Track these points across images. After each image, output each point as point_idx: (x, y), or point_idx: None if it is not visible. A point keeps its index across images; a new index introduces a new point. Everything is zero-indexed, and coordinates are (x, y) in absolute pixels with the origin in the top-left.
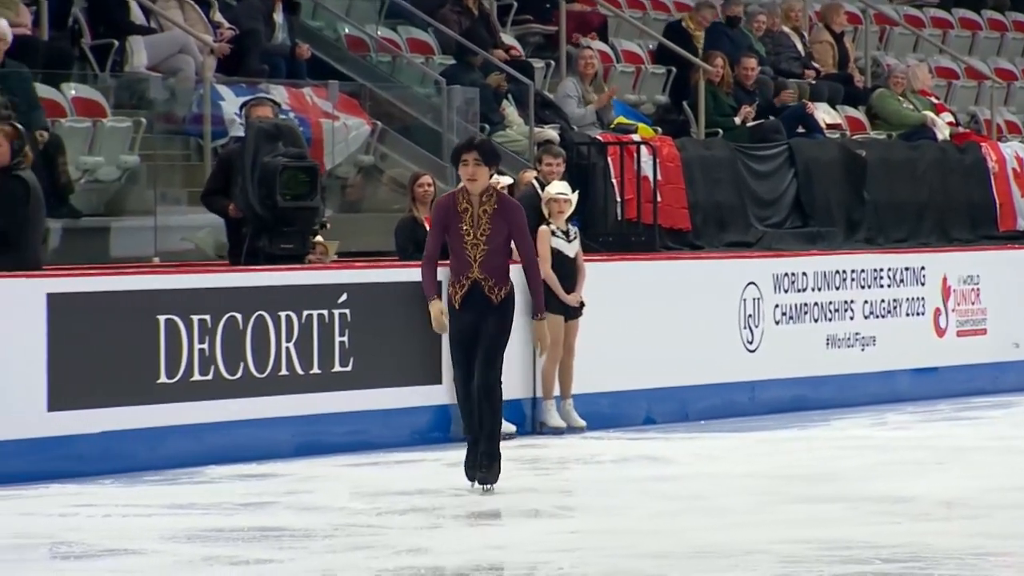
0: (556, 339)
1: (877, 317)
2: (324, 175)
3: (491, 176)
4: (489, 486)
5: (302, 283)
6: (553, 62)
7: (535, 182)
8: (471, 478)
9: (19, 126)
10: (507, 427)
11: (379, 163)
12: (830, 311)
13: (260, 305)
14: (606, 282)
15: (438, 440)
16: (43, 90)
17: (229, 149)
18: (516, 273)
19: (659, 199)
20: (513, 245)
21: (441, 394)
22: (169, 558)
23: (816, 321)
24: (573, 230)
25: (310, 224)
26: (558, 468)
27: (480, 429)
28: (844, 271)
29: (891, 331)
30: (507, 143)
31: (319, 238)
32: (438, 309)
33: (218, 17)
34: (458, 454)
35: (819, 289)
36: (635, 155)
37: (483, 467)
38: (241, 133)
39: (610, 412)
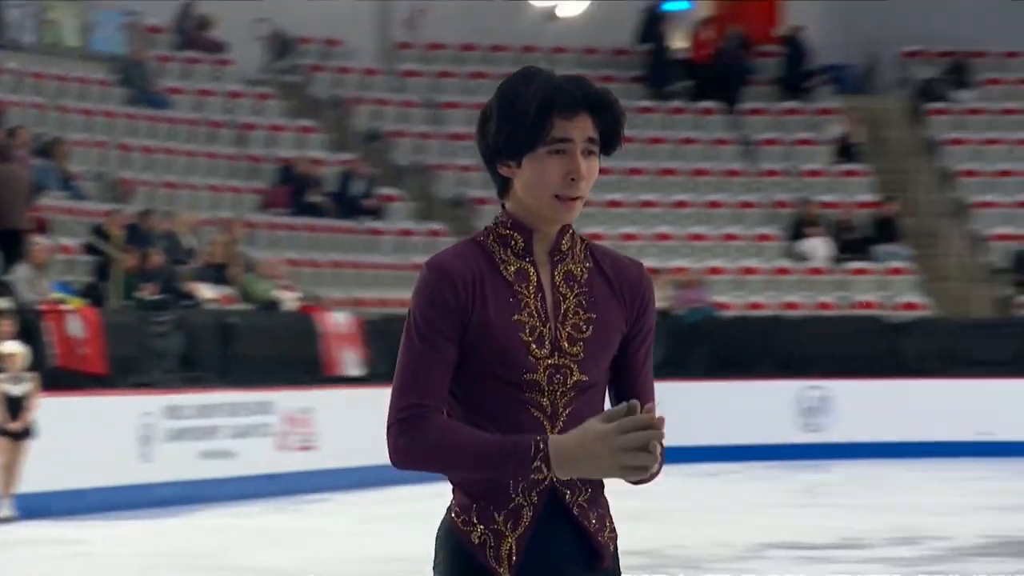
0: (8, 458)
1: (236, 437)
2: None
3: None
4: None
5: None
6: None
7: None
8: None
9: None
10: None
11: None
12: (205, 433)
13: None
14: (45, 413)
15: None
16: None
17: None
18: None
19: (85, 351)
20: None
21: None
22: None
23: (196, 440)
24: (27, 375)
25: None
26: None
27: None
28: (217, 404)
29: (251, 446)
30: None
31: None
32: None
33: None
34: None
35: (198, 417)
36: (66, 319)
37: None
38: None
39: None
